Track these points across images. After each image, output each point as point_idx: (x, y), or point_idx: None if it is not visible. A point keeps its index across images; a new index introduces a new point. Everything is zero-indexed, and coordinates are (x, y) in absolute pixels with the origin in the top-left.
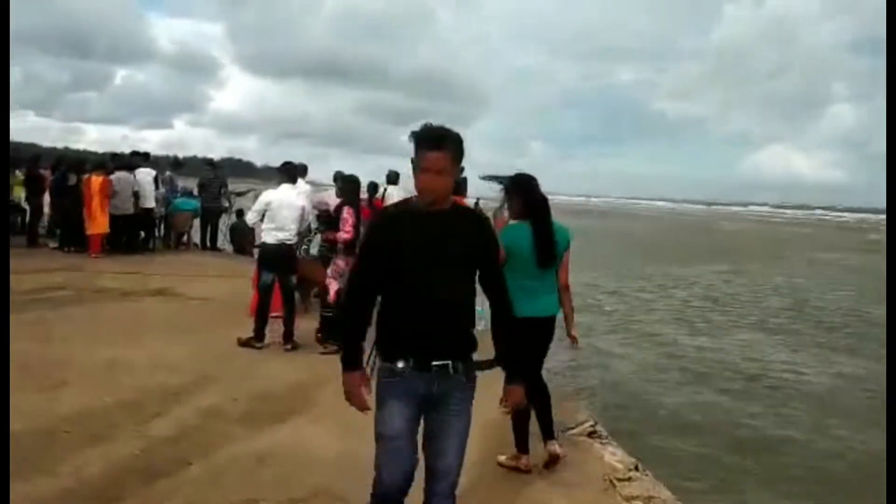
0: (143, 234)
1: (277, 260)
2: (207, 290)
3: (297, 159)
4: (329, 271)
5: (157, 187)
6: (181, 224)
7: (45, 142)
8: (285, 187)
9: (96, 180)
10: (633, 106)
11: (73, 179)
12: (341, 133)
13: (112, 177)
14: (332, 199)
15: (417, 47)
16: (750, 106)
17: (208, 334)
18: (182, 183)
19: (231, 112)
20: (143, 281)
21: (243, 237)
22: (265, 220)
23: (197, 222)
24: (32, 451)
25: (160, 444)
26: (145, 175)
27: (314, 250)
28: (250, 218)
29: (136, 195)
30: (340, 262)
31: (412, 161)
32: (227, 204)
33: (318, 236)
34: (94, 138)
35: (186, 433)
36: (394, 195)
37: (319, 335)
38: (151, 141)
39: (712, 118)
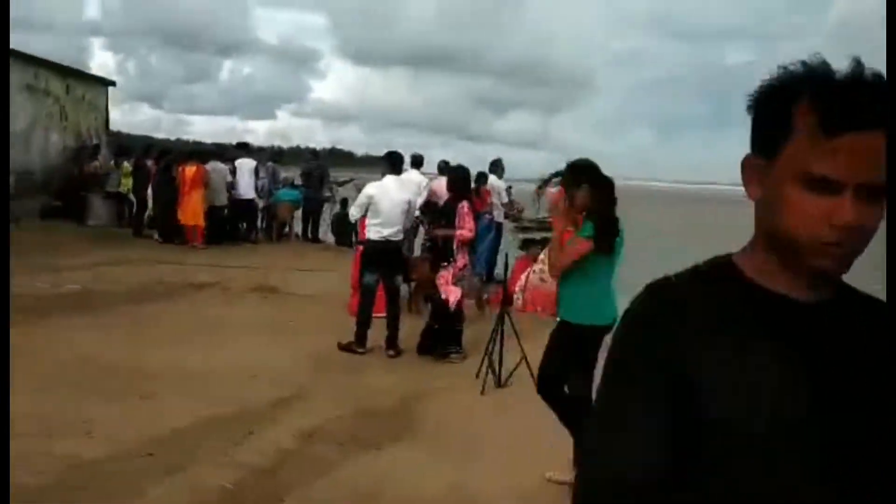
0: (244, 225)
1: (382, 259)
2: (309, 286)
3: (398, 149)
4: (444, 275)
5: (257, 178)
6: (283, 215)
7: (158, 133)
8: (389, 179)
9: (190, 170)
10: (742, 87)
11: (175, 171)
12: (442, 122)
13: (206, 167)
14: (442, 189)
15: (517, 33)
16: None
17: (309, 337)
18: (285, 173)
19: (333, 102)
20: (243, 276)
21: (347, 228)
22: (369, 214)
23: (299, 213)
24: (109, 479)
25: (251, 474)
26: (245, 165)
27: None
28: (353, 213)
29: (231, 186)
30: (460, 263)
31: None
32: (328, 194)
33: (421, 229)
34: (202, 129)
35: (281, 460)
36: (497, 187)
37: (422, 344)
38: (258, 132)
39: None
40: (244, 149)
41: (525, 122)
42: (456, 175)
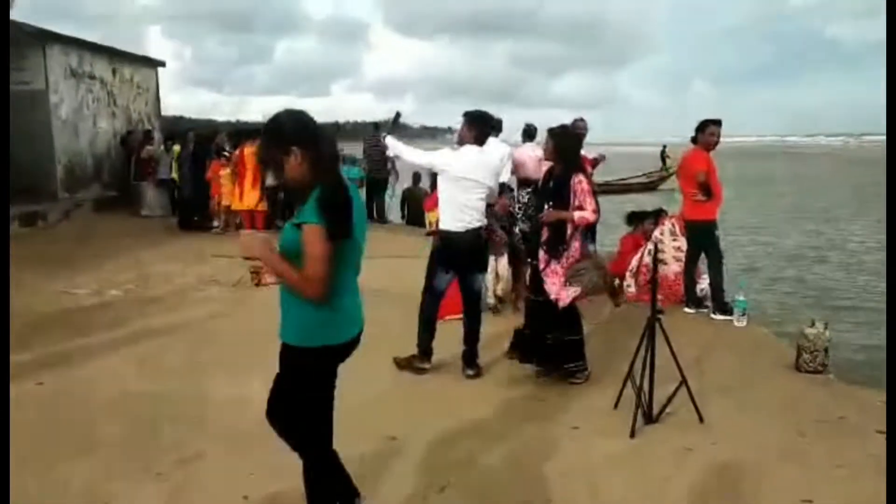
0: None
1: (462, 254)
2: (376, 277)
3: (452, 117)
4: (554, 268)
5: None
6: None
7: (219, 116)
8: (470, 150)
9: (250, 150)
10: (805, 35)
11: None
12: (496, 88)
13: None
14: (529, 158)
15: None
16: None
17: (377, 353)
18: (346, 150)
19: (384, 75)
20: None
21: (420, 205)
22: (443, 196)
23: (363, 192)
24: None
25: None
26: None
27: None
28: (423, 160)
29: None
30: (575, 252)
31: None
32: (392, 170)
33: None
34: (260, 109)
35: None
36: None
37: (512, 353)
38: (313, 110)
39: None
40: None
41: (583, 84)
42: (565, 139)
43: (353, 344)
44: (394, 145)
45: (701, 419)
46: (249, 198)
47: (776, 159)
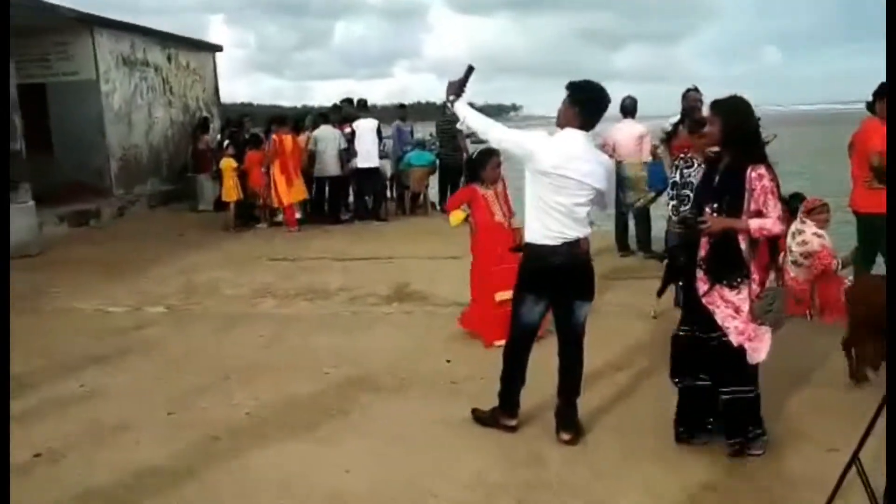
0: (370, 199)
1: (556, 275)
2: (451, 285)
3: (514, 94)
4: (733, 300)
5: (380, 140)
6: (416, 183)
7: (282, 101)
8: (572, 138)
9: (287, 139)
10: None
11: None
12: (555, 63)
13: (314, 133)
14: (627, 137)
15: None
16: None
17: (456, 397)
18: (418, 132)
19: (445, 53)
20: (374, 272)
21: None
22: (527, 197)
23: (435, 180)
24: None
25: None
26: (365, 127)
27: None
28: (502, 137)
29: (344, 154)
30: (758, 277)
31: None
32: (469, 153)
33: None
34: (323, 94)
35: None
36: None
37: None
38: (377, 92)
39: None
40: (362, 108)
41: (644, 55)
42: (736, 114)
43: None
44: (465, 113)
45: None
46: (297, 190)
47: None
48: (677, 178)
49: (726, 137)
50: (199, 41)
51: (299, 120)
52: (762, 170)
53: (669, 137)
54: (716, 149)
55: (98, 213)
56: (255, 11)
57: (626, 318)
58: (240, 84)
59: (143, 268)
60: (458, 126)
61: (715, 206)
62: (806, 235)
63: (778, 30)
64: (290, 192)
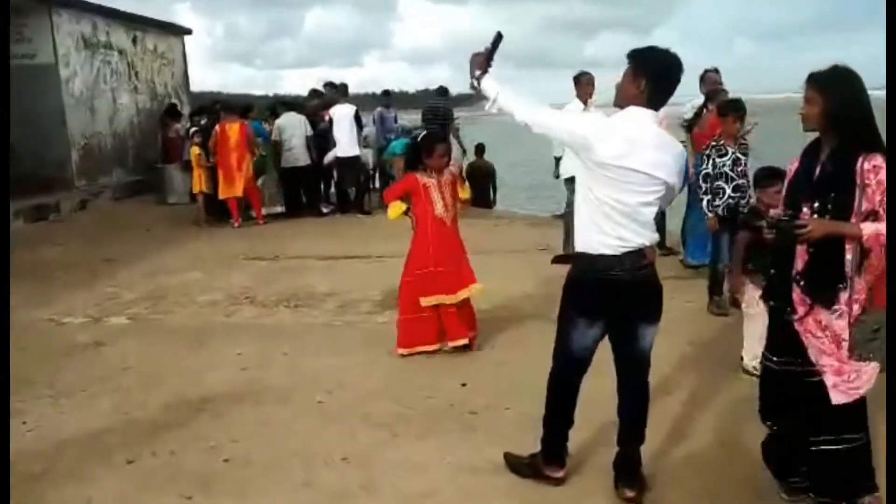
0: (353, 190)
1: (618, 292)
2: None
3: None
4: (832, 325)
5: (359, 127)
6: (401, 172)
7: (254, 90)
8: (638, 118)
9: (232, 128)
10: None
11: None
12: (531, 52)
13: (277, 122)
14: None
15: None
16: None
17: (482, 438)
18: (402, 119)
19: (417, 43)
20: (362, 272)
21: (486, 181)
22: (579, 197)
23: None
24: None
25: None
26: (342, 114)
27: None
28: (550, 122)
29: (312, 141)
30: (861, 295)
31: None
32: (457, 142)
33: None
34: (294, 83)
35: None
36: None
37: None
38: (348, 81)
39: None
40: (343, 93)
41: (617, 44)
42: (842, 93)
43: None
44: (497, 93)
45: None
46: (237, 185)
47: None
48: (709, 168)
49: (831, 120)
50: (166, 23)
51: (247, 108)
52: (878, 160)
53: (691, 125)
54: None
55: (58, 206)
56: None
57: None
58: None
59: (105, 270)
60: (488, 108)
61: (816, 205)
62: None
63: (748, 20)
64: (226, 187)
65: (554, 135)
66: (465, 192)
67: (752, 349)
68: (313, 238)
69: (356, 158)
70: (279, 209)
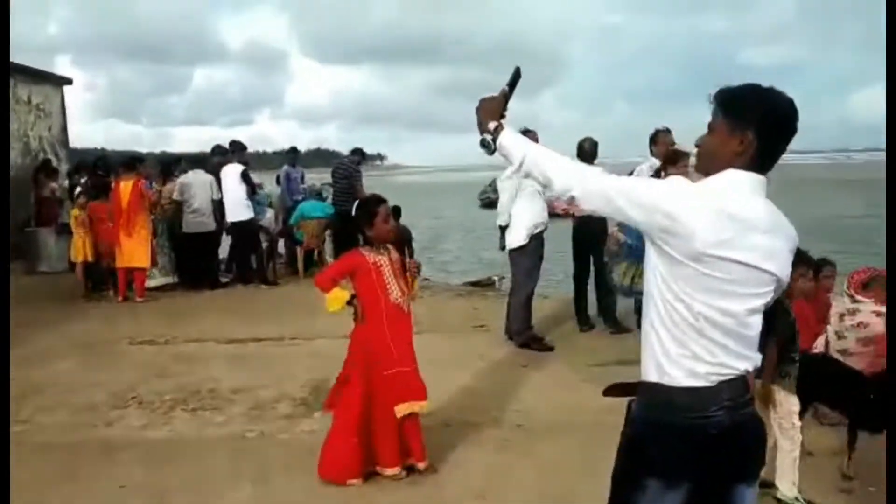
0: (252, 259)
1: (717, 446)
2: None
3: (379, 144)
4: None
5: (250, 187)
6: (310, 238)
7: (141, 148)
8: (744, 186)
9: (126, 186)
10: (721, 56)
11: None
12: (421, 114)
13: (179, 180)
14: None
15: (489, 17)
16: (847, 44)
17: None
18: (312, 180)
19: (308, 102)
20: (278, 360)
21: (401, 248)
22: (657, 306)
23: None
24: None
25: None
26: (227, 173)
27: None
28: (589, 189)
29: (217, 205)
30: None
31: None
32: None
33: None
34: (184, 138)
35: None
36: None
37: None
38: (241, 138)
39: (807, 61)
40: (237, 151)
41: (510, 105)
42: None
43: None
44: (525, 155)
45: None
46: (131, 253)
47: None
48: None
49: None
50: (43, 72)
51: (167, 164)
52: None
53: None
54: None
55: None
56: (107, 55)
57: None
58: (92, 128)
59: None
60: (509, 173)
61: None
62: (864, 315)
63: (624, 87)
64: (120, 254)
65: (618, 213)
66: (415, 286)
67: (788, 475)
68: (213, 315)
69: (249, 222)
70: (171, 279)
